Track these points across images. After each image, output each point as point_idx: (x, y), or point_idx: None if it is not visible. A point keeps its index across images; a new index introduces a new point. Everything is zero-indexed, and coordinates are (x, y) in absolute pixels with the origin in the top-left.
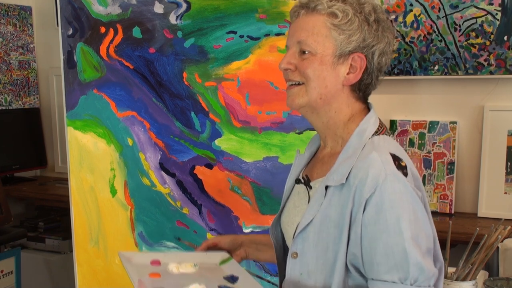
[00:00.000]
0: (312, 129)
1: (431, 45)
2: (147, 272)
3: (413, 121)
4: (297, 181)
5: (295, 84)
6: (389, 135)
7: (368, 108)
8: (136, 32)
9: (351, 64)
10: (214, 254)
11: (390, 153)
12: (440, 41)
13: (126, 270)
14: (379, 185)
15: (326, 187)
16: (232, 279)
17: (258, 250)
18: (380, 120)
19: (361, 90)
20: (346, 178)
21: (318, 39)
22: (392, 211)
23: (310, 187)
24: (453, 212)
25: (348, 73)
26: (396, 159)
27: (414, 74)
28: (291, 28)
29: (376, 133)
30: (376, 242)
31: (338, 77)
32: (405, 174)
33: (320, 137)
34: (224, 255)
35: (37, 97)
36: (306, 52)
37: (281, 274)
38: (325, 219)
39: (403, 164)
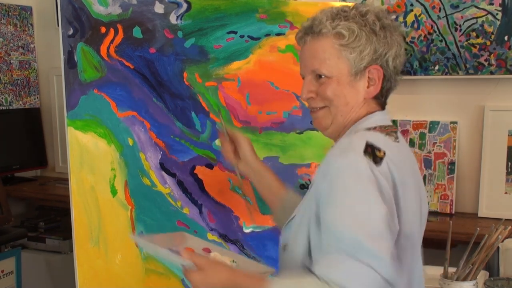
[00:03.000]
0: (312, 129)
1: (431, 45)
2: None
3: (413, 121)
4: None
5: (319, 108)
6: (391, 135)
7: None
8: (137, 32)
9: (368, 77)
10: (263, 268)
11: (366, 142)
12: (441, 41)
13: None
14: (329, 157)
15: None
16: None
17: (262, 186)
18: (392, 122)
19: (384, 96)
20: None
21: (331, 63)
22: (335, 184)
23: None
24: (453, 212)
25: (368, 87)
26: (371, 147)
27: (415, 74)
28: (301, 57)
29: (373, 129)
30: (323, 214)
31: (359, 93)
32: (376, 162)
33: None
34: (270, 270)
35: (37, 97)
36: (323, 77)
37: None
38: (303, 211)
39: (379, 154)
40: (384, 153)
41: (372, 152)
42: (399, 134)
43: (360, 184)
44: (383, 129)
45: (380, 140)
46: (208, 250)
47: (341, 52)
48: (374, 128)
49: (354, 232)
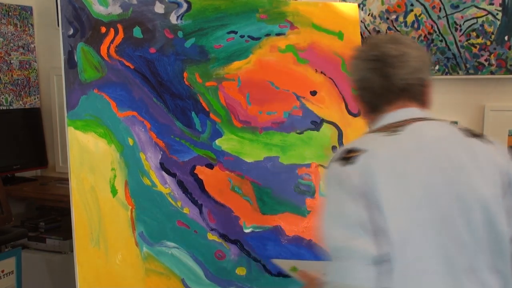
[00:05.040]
0: (313, 129)
1: (431, 45)
2: None
3: None
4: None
5: None
6: (385, 131)
7: None
8: (137, 32)
9: None
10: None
11: (346, 148)
12: (441, 41)
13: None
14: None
15: None
16: None
17: None
18: (399, 121)
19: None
20: None
21: None
22: (325, 190)
23: None
24: None
25: None
26: (347, 152)
27: None
28: None
29: (376, 130)
30: None
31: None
32: (350, 163)
33: None
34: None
35: (37, 97)
36: None
37: None
38: None
39: (352, 154)
40: (363, 151)
41: (346, 156)
42: (418, 125)
43: (333, 190)
44: (385, 128)
45: (369, 141)
46: None
47: None
48: (377, 129)
49: (333, 236)
